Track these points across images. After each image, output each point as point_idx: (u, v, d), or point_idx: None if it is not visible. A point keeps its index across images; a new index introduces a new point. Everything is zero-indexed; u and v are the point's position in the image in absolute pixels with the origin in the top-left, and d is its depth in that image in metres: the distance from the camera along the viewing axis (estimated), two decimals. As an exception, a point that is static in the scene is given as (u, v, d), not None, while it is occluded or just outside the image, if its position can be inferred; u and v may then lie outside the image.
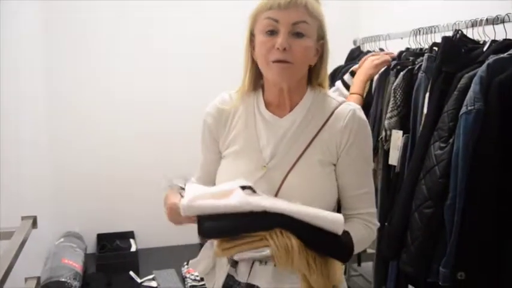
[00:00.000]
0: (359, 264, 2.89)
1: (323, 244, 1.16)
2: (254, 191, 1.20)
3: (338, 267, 1.22)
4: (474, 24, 1.99)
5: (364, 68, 2.36)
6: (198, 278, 2.94)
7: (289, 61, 1.24)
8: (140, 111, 3.43)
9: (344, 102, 1.34)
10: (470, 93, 1.68)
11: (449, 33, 2.04)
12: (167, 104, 3.43)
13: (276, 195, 1.27)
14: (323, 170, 1.29)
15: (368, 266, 2.95)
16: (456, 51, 1.92)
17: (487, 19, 1.93)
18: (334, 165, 1.31)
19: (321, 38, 1.31)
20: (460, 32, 1.99)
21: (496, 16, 1.90)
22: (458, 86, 1.76)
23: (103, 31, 3.33)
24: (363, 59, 2.43)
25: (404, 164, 2.11)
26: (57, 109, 3.27)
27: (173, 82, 3.45)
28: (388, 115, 2.21)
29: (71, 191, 3.33)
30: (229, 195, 1.16)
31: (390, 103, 2.20)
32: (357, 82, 2.30)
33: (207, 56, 3.41)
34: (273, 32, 1.24)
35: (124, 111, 3.41)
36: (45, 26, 3.18)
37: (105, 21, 3.32)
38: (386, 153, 2.25)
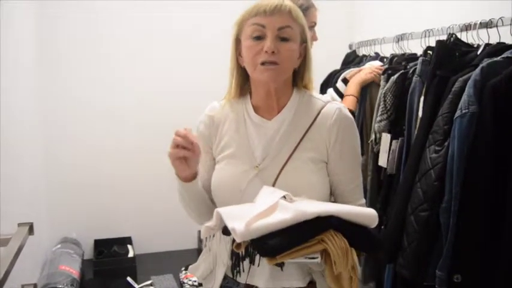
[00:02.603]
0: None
1: (362, 239, 1.22)
2: (290, 198, 1.25)
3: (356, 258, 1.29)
4: (468, 28, 2.01)
5: (363, 72, 2.39)
6: (196, 283, 2.94)
7: (277, 62, 1.30)
8: (137, 119, 3.44)
9: (329, 102, 1.41)
10: (464, 97, 1.68)
11: (444, 37, 2.05)
12: (165, 110, 3.43)
13: None
14: (314, 167, 1.35)
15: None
16: (450, 55, 1.92)
17: (480, 23, 1.95)
18: (325, 162, 1.37)
19: (303, 41, 1.37)
20: (454, 35, 1.99)
21: (490, 20, 1.91)
22: (453, 89, 1.77)
23: (102, 30, 3.34)
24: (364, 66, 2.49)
25: (400, 167, 2.12)
26: (54, 115, 3.27)
27: (170, 91, 3.46)
28: (378, 118, 2.23)
29: (67, 197, 3.33)
30: (275, 209, 1.18)
31: (380, 107, 2.23)
32: (352, 84, 2.34)
33: (209, 56, 3.35)
34: (259, 37, 1.31)
35: (121, 119, 3.42)
36: (41, 25, 3.18)
37: (103, 21, 3.32)
38: (376, 156, 2.26)
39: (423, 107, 1.95)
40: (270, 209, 1.18)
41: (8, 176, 2.16)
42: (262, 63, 1.30)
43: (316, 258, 1.17)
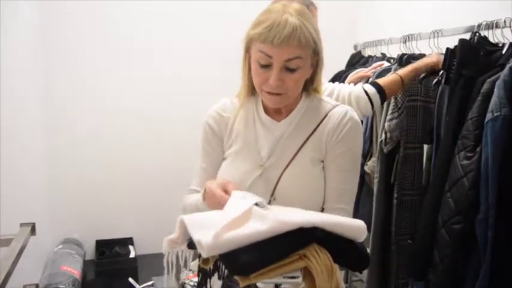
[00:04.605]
0: (360, 270, 2.86)
1: (348, 255, 1.09)
2: (263, 205, 1.14)
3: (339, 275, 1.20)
4: (472, 28, 1.97)
5: (426, 58, 2.18)
6: (196, 284, 2.92)
7: (282, 93, 1.29)
8: (139, 117, 3.43)
9: (338, 105, 1.40)
10: (494, 99, 1.59)
11: (453, 38, 2.00)
12: (167, 111, 3.43)
13: (272, 193, 1.31)
14: (314, 168, 1.33)
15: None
16: (475, 54, 1.82)
17: (487, 24, 1.90)
18: (323, 161, 1.35)
19: (316, 54, 1.32)
20: (477, 34, 1.90)
21: (495, 21, 1.87)
22: (482, 91, 1.66)
23: (103, 35, 3.32)
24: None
25: (429, 174, 2.02)
26: (55, 115, 3.26)
27: (172, 89, 3.45)
28: (389, 117, 2.16)
29: (69, 197, 3.33)
30: (248, 218, 1.05)
31: (391, 105, 2.17)
32: (407, 67, 2.16)
33: (209, 65, 3.43)
34: (266, 66, 1.27)
35: (123, 118, 3.41)
36: (43, 30, 3.17)
37: (104, 25, 3.31)
38: (386, 157, 2.21)
39: (448, 111, 1.85)
40: (242, 217, 1.03)
41: (10, 177, 2.15)
42: (268, 92, 1.30)
43: (297, 277, 1.02)
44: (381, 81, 2.07)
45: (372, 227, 2.26)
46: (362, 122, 2.46)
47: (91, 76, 3.32)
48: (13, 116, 2.36)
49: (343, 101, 2.03)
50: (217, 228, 0.98)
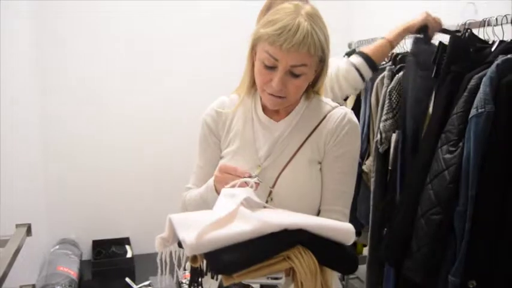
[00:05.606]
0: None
1: (334, 258, 1.09)
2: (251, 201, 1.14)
3: (333, 276, 1.20)
4: (469, 25, 1.98)
5: (413, 19, 2.15)
6: (188, 283, 2.93)
7: (283, 96, 1.29)
8: (135, 118, 3.41)
9: (337, 106, 1.40)
10: (479, 95, 1.61)
11: (446, 35, 2.01)
12: (163, 112, 3.42)
13: (269, 194, 1.32)
14: (312, 170, 1.34)
15: (365, 269, 2.93)
16: (465, 51, 1.85)
17: (479, 21, 1.91)
18: (320, 162, 1.35)
19: (322, 61, 1.31)
20: (469, 30, 1.92)
21: (488, 18, 1.88)
22: (468, 87, 1.69)
23: (98, 38, 3.30)
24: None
25: (397, 161, 2.05)
26: (52, 115, 3.24)
27: (170, 91, 3.44)
28: (384, 117, 2.18)
29: (65, 197, 3.31)
30: (233, 218, 1.06)
31: (385, 105, 2.18)
32: (394, 29, 2.14)
33: (210, 67, 3.41)
34: (271, 67, 1.26)
35: (119, 119, 3.39)
36: (37, 34, 3.14)
37: (99, 29, 3.29)
38: (382, 156, 2.23)
39: (434, 104, 1.87)
40: (227, 217, 1.05)
41: (6, 177, 2.15)
42: (269, 94, 1.29)
43: (280, 278, 1.03)
44: (366, 49, 2.07)
45: (370, 226, 2.27)
46: (359, 120, 2.48)
47: (88, 78, 3.30)
48: (10, 116, 2.36)
49: (330, 80, 2.02)
50: (201, 227, 0.99)
